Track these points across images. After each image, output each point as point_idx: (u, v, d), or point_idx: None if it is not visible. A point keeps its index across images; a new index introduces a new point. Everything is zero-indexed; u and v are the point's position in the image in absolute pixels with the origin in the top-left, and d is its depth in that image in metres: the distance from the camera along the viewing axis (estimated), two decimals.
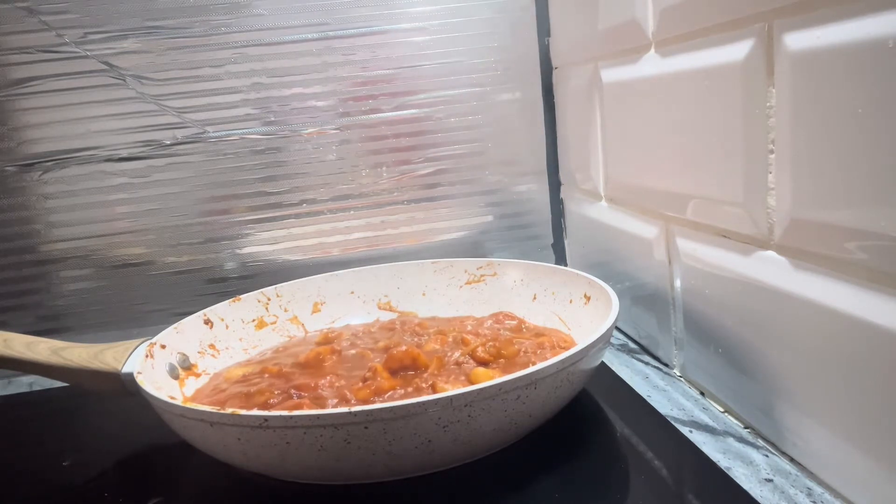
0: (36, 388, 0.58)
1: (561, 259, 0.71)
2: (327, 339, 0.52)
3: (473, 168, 0.68)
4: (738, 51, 0.35)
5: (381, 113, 0.66)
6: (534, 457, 0.37)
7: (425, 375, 0.42)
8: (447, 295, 0.58)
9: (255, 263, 0.66)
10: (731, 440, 0.38)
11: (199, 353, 0.48)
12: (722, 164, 0.38)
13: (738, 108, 0.35)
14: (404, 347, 0.43)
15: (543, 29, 0.67)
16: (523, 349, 0.45)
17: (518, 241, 0.70)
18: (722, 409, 0.42)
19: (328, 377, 0.42)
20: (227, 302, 0.53)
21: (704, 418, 0.41)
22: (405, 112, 0.66)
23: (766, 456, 0.36)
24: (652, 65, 0.45)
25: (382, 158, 0.66)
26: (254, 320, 0.54)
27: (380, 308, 0.58)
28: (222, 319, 0.52)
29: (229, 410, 0.32)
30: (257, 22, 0.62)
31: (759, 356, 0.37)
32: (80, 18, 0.60)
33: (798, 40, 0.30)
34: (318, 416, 0.31)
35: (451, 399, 0.31)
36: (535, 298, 0.54)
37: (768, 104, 0.33)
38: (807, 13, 0.30)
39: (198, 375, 0.47)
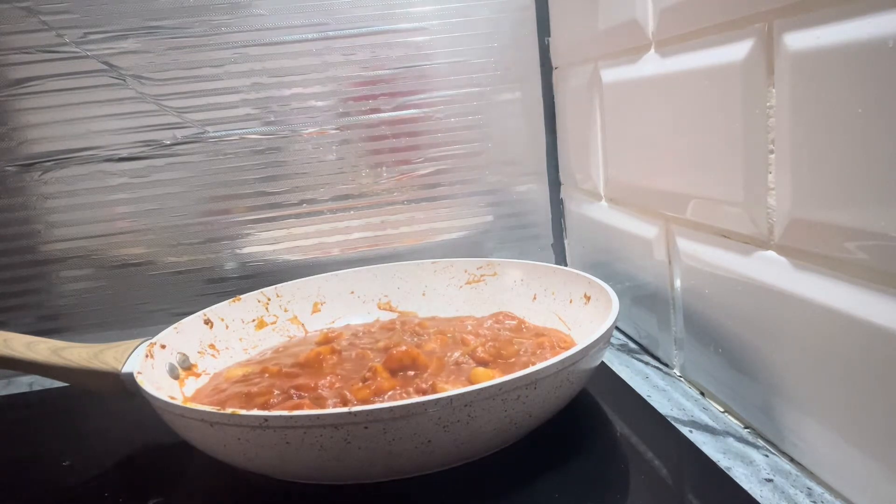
0: (36, 388, 0.58)
1: (561, 259, 0.71)
2: (327, 339, 0.52)
3: (473, 168, 0.68)
4: (738, 51, 0.35)
5: (381, 113, 0.66)
6: (534, 457, 0.37)
7: (425, 375, 0.42)
8: (447, 295, 0.58)
9: (255, 263, 0.66)
10: (731, 440, 0.38)
11: (199, 353, 0.48)
12: (722, 164, 0.38)
13: (738, 108, 0.35)
14: (404, 347, 0.43)
15: (543, 29, 0.67)
16: (523, 349, 0.45)
17: (518, 241, 0.70)
18: (722, 409, 0.42)
19: (328, 377, 0.42)
20: (227, 302, 0.53)
21: (704, 418, 0.41)
22: (405, 112, 0.66)
23: (766, 456, 0.36)
24: (652, 65, 0.45)
25: (382, 158, 0.66)
26: (254, 320, 0.54)
27: (380, 308, 0.58)
28: (222, 319, 0.52)
29: (229, 410, 0.32)
30: (257, 22, 0.62)
31: (759, 356, 0.37)
32: (80, 18, 0.60)
33: (798, 40, 0.30)
34: (318, 416, 0.31)
35: (451, 399, 0.31)
36: (535, 298, 0.54)
37: (768, 104, 0.33)
38: (807, 13, 0.30)
39: (198, 375, 0.47)
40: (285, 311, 0.56)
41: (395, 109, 0.66)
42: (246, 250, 0.66)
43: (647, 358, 0.51)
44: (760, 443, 0.37)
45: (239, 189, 0.64)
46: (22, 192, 0.61)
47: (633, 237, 0.51)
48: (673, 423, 0.40)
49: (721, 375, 0.41)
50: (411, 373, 0.42)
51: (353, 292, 0.59)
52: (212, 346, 0.50)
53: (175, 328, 0.48)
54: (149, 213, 0.63)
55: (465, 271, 0.58)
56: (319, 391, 0.40)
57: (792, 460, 0.35)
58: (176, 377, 0.45)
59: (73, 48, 0.60)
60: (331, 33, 0.63)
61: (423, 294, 0.58)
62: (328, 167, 0.66)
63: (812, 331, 0.32)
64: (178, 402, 0.37)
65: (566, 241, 0.70)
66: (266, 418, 0.31)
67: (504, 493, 0.34)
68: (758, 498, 0.32)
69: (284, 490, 0.36)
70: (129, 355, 0.43)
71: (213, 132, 0.63)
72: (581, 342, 0.37)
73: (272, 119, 0.64)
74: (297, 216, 0.66)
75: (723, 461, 0.36)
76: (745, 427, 0.39)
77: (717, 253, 0.40)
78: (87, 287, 0.63)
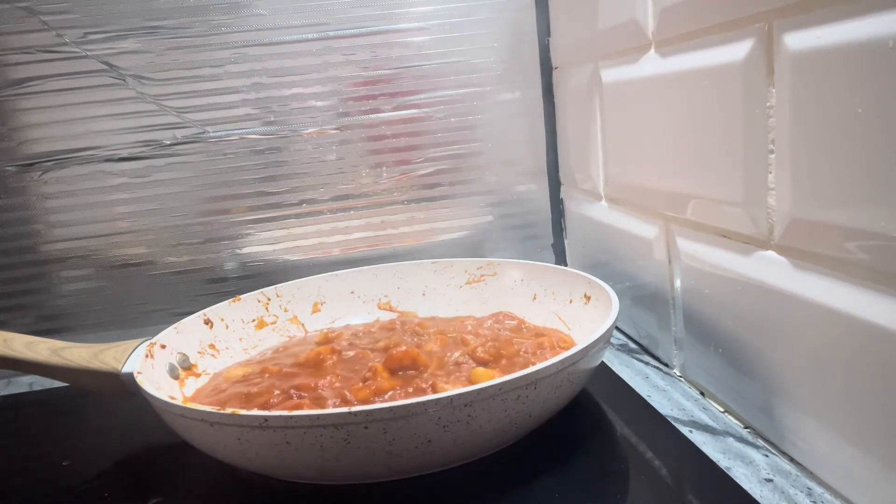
0: (36, 388, 0.58)
1: (561, 259, 0.71)
2: (327, 339, 0.51)
3: (473, 168, 0.68)
4: (738, 51, 0.35)
5: (381, 113, 0.66)
6: (534, 457, 0.37)
7: (425, 375, 0.42)
8: (447, 295, 0.58)
9: (255, 263, 0.66)
10: (731, 440, 0.38)
11: (199, 353, 0.48)
12: (722, 164, 0.38)
13: (738, 108, 0.35)
14: (404, 347, 0.43)
15: (543, 29, 0.67)
16: (523, 349, 0.45)
17: (518, 241, 0.70)
18: (722, 409, 0.42)
19: (328, 377, 0.42)
20: (227, 302, 0.53)
21: (704, 418, 0.41)
22: (405, 112, 0.66)
23: (766, 456, 0.36)
24: (652, 65, 0.45)
25: (382, 158, 0.66)
26: (254, 320, 0.54)
27: (380, 308, 0.58)
28: (222, 319, 0.52)
29: (229, 410, 0.32)
30: (257, 22, 0.62)
31: (759, 356, 0.37)
32: (80, 18, 0.60)
33: (798, 40, 0.30)
34: (318, 416, 0.31)
35: (451, 399, 0.31)
36: (535, 298, 0.54)
37: (768, 104, 0.33)
38: (807, 13, 0.30)
39: (198, 375, 0.47)
40: (285, 311, 0.56)
41: (395, 109, 0.66)
42: (246, 250, 0.66)
43: (647, 358, 0.51)
44: (760, 443, 0.37)
45: (239, 189, 0.64)
46: (22, 192, 0.61)
47: (633, 237, 0.51)
48: (673, 423, 0.40)
49: (721, 375, 0.41)
50: (411, 373, 0.42)
51: (353, 292, 0.59)
52: (212, 346, 0.50)
53: (175, 328, 0.48)
54: (149, 213, 0.63)
55: (465, 271, 0.58)
56: (319, 391, 0.40)
57: (792, 460, 0.35)
58: (176, 377, 0.45)
59: (73, 48, 0.60)
60: (331, 33, 0.63)
61: (423, 294, 0.58)
62: (328, 167, 0.66)
63: (812, 331, 0.32)
64: (178, 402, 0.37)
65: (566, 241, 0.70)
66: (266, 418, 0.31)
67: (504, 493, 0.34)
68: (758, 498, 0.32)
69: (284, 490, 0.36)
70: (129, 355, 0.43)
71: (213, 132, 0.63)
72: (581, 342, 0.37)
73: (272, 119, 0.64)
74: (297, 216, 0.66)
75: (723, 461, 0.36)
76: (745, 427, 0.39)
77: (717, 253, 0.40)
78: (87, 287, 0.63)
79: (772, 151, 0.33)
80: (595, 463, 0.37)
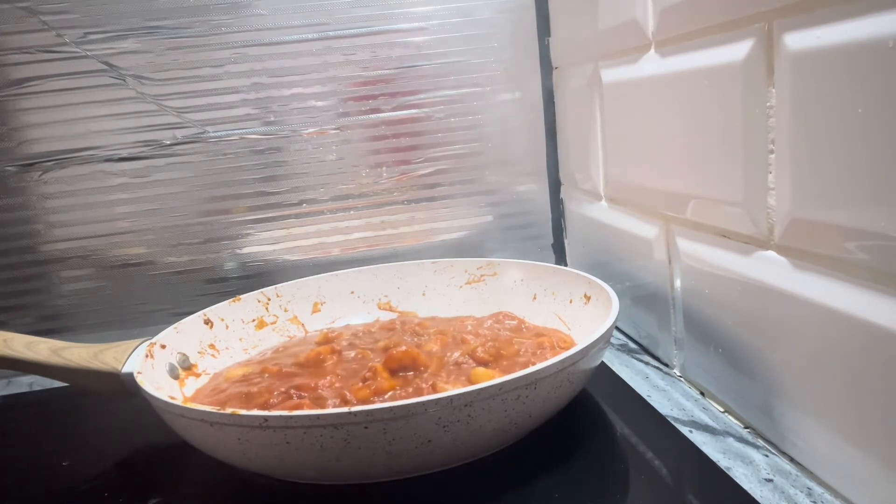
0: (36, 388, 0.58)
1: (561, 259, 0.71)
2: (327, 339, 0.51)
3: (473, 168, 0.68)
4: (738, 51, 0.35)
5: (381, 113, 0.66)
6: (534, 457, 0.37)
7: (425, 375, 0.42)
8: (447, 295, 0.58)
9: (255, 263, 0.66)
10: (731, 440, 0.38)
11: (199, 353, 0.48)
12: (722, 164, 0.38)
13: (738, 108, 0.35)
14: (404, 347, 0.43)
15: (543, 29, 0.67)
16: (523, 349, 0.45)
17: (518, 241, 0.70)
18: (722, 409, 0.42)
19: (328, 377, 0.42)
20: (227, 302, 0.53)
21: (704, 418, 0.41)
22: (405, 112, 0.66)
23: (766, 456, 0.36)
24: (652, 65, 0.45)
25: (382, 158, 0.66)
26: (254, 320, 0.54)
27: (380, 308, 0.58)
28: (222, 319, 0.52)
29: (229, 410, 0.32)
30: (257, 22, 0.62)
31: (759, 356, 0.37)
32: (80, 18, 0.60)
33: (798, 40, 0.30)
34: (318, 416, 0.31)
35: (451, 399, 0.31)
36: (535, 298, 0.54)
37: (768, 104, 0.33)
38: (807, 13, 0.30)
39: (198, 375, 0.47)
40: (285, 311, 0.56)
41: (395, 109, 0.66)
42: (246, 250, 0.66)
43: (647, 358, 0.51)
44: (760, 443, 0.37)
45: (239, 189, 0.64)
46: (22, 192, 0.61)
47: (633, 237, 0.51)
48: (673, 423, 0.40)
49: (721, 375, 0.41)
50: (411, 373, 0.42)
51: (353, 292, 0.59)
52: (212, 346, 0.50)
53: (175, 328, 0.48)
54: (149, 213, 0.63)
55: (465, 271, 0.58)
56: (319, 391, 0.40)
57: (792, 460, 0.35)
58: (176, 377, 0.45)
59: (73, 48, 0.60)
60: (331, 33, 0.63)
61: (423, 294, 0.58)
62: (328, 167, 0.66)
63: (812, 331, 0.32)
64: (178, 402, 0.36)
65: (566, 241, 0.70)
66: (266, 418, 0.31)
67: (504, 493, 0.34)
68: (758, 498, 0.32)
69: (284, 490, 0.36)
70: (129, 355, 0.43)
71: (213, 132, 0.63)
72: (581, 342, 0.37)
73: (272, 119, 0.64)
74: (297, 216, 0.66)
75: (723, 461, 0.36)
76: (745, 427, 0.39)
77: (717, 253, 0.40)
78: (87, 287, 0.63)
79: (772, 151, 0.33)
80: (595, 463, 0.37)
